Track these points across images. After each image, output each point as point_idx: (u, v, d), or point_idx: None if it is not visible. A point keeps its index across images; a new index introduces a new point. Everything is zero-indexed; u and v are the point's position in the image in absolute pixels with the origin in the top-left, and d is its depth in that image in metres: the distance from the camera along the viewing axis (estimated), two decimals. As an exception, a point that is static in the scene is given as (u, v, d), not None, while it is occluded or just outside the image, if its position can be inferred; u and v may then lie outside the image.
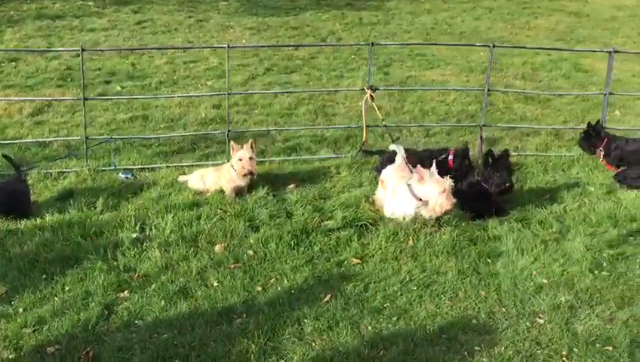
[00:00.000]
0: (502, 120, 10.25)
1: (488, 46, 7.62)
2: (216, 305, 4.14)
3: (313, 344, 3.77)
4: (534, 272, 4.76)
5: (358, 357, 3.66)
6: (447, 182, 5.25)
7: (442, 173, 6.07)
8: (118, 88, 10.18)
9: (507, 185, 5.59)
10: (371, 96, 6.62)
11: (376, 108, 6.44)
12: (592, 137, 7.65)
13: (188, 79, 11.04)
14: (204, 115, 9.18)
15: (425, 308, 4.26)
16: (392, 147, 6.13)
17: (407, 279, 4.60)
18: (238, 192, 5.93)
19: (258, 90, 10.10)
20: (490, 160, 5.72)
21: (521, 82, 12.69)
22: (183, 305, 4.15)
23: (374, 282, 4.54)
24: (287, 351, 3.70)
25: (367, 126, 6.98)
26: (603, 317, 4.25)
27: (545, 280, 4.68)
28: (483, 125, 7.61)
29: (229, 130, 6.87)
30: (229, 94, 6.82)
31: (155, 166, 6.58)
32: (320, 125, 8.85)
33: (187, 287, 4.38)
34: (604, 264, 5.01)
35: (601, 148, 7.57)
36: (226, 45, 6.73)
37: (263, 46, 12.00)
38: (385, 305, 4.27)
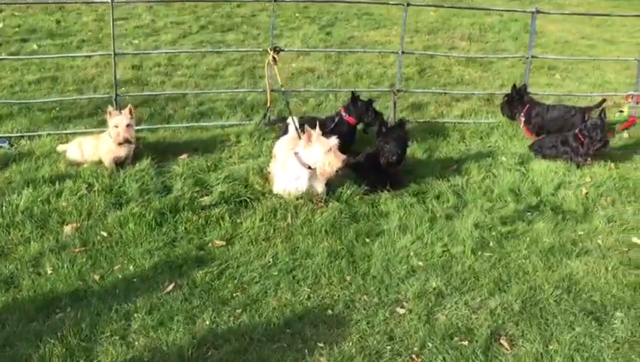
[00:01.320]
0: (438, 83, 9.77)
1: (402, 4, 7.06)
2: (40, 296, 3.68)
3: (135, 343, 3.35)
4: (411, 253, 4.36)
5: (180, 359, 3.25)
6: (333, 140, 4.80)
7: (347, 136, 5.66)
8: (34, 47, 9.48)
9: (394, 157, 5.13)
10: (274, 58, 6.05)
11: (276, 72, 5.90)
12: (515, 102, 7.20)
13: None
14: (119, 76, 8.54)
15: (278, 298, 3.85)
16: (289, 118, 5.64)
17: (271, 263, 4.18)
18: (118, 163, 5.42)
19: (169, 50, 9.44)
20: (384, 129, 5.25)
21: (467, 43, 12.16)
22: (1, 297, 3.68)
23: (232, 268, 4.11)
24: (99, 353, 3.27)
25: (272, 90, 6.44)
26: (471, 305, 3.89)
27: (421, 263, 4.29)
28: (398, 90, 7.11)
29: (117, 95, 6.28)
30: (115, 54, 6.20)
31: (36, 134, 6.01)
32: (244, 88, 8.30)
33: (14, 276, 3.90)
34: (491, 243, 4.63)
35: (522, 115, 7.14)
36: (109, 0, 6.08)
37: (153, 0, 11.19)
38: (235, 295, 3.85)
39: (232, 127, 6.46)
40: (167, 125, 6.46)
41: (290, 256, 4.27)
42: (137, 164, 5.42)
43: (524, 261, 4.40)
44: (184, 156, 5.81)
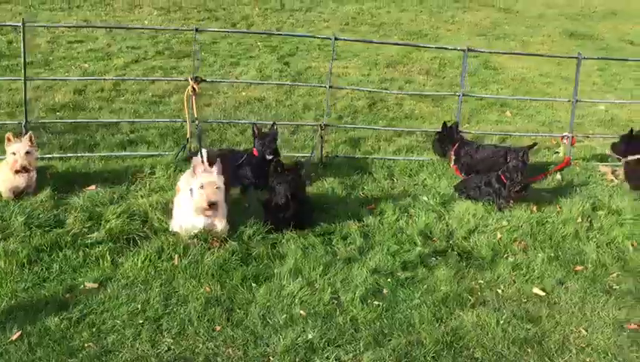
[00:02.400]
0: (387, 117, 9.58)
1: (330, 38, 6.88)
2: None
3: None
4: (296, 301, 4.07)
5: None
6: (211, 175, 4.52)
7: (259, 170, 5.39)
8: (-23, 68, 9.22)
9: (283, 200, 4.85)
10: (194, 88, 5.81)
11: (193, 103, 5.65)
12: (445, 140, 6.99)
13: (64, 60, 10.09)
14: (57, 99, 8.29)
15: (135, 350, 3.54)
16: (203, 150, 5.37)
17: (139, 310, 3.87)
18: (17, 193, 5.12)
19: (119, 77, 9.18)
20: (279, 170, 4.98)
21: (425, 78, 12.02)
22: None
23: (95, 314, 3.80)
24: None
25: (194, 121, 6.18)
26: (343, 361, 3.59)
27: (303, 311, 4.00)
28: (325, 125, 6.87)
29: (26, 121, 6.00)
30: (26, 80, 5.93)
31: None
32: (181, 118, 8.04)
33: None
34: (385, 291, 4.35)
35: (452, 153, 6.93)
36: (20, 24, 5.83)
37: (92, 26, 11.00)
38: (87, 346, 3.53)
39: (150, 158, 6.18)
40: (80, 154, 6.17)
41: (163, 302, 3.97)
42: (39, 195, 5.13)
43: (412, 311, 4.12)
44: (92, 187, 5.52)
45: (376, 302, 4.17)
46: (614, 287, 4.75)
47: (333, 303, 4.13)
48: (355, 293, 4.20)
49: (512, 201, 6.04)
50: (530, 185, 5.99)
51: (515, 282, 4.64)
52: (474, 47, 7.59)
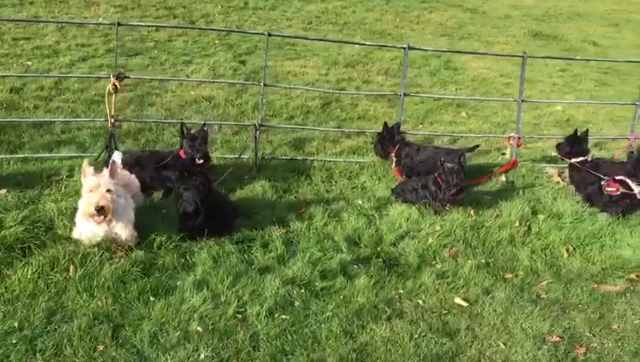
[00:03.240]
0: (339, 118, 9.27)
1: (264, 34, 6.55)
2: None
3: None
4: (196, 316, 3.73)
5: None
6: (104, 177, 4.14)
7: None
8: None
9: (191, 208, 4.49)
10: (115, 85, 5.42)
11: (112, 101, 5.27)
12: (386, 142, 6.68)
13: (6, 57, 9.62)
14: (-10, 98, 7.84)
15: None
16: (116, 153, 5.00)
17: (15, 329, 3.50)
18: None
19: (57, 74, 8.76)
20: (186, 175, 4.60)
21: (383, 78, 11.72)
22: None
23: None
24: None
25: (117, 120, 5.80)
26: (233, 384, 3.26)
27: (200, 328, 3.65)
28: (260, 125, 6.53)
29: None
30: None
31: None
32: (123, 116, 7.66)
33: None
34: (296, 303, 4.02)
35: (393, 155, 6.63)
36: None
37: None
38: (-55, 369, 3.17)
39: (70, 160, 5.78)
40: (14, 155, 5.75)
41: (47, 319, 3.60)
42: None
43: (321, 325, 3.79)
44: (2, 191, 5.12)
45: (284, 316, 3.84)
46: (542, 296, 4.47)
47: (236, 318, 3.78)
48: (262, 306, 3.86)
49: (448, 205, 5.74)
50: (466, 189, 5.69)
51: (437, 291, 4.34)
52: (416, 45, 7.24)
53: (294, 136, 7.71)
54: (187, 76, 10.22)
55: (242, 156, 6.29)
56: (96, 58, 10.10)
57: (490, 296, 4.41)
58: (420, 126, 9.37)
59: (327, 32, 14.59)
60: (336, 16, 16.24)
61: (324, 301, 4.04)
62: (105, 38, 11.32)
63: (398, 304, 4.14)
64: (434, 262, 4.77)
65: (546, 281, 4.67)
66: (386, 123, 6.72)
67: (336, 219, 5.26)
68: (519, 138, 7.32)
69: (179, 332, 3.57)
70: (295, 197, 5.64)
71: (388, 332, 3.78)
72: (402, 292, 4.28)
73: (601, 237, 5.49)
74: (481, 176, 6.75)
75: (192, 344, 3.48)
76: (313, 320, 3.83)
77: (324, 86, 10.73)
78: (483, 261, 4.88)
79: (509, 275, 4.71)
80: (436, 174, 5.83)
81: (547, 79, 13.11)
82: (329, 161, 6.62)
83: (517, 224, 5.57)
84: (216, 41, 12.34)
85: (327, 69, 11.77)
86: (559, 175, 7.15)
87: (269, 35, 6.45)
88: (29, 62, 9.52)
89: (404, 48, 6.87)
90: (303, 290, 4.10)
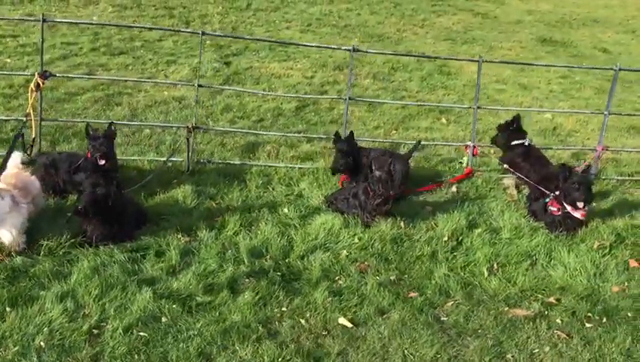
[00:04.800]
0: (311, 121, 8.99)
1: (197, 33, 6.31)
2: None
3: None
4: (45, 330, 3.50)
5: None
6: None
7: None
8: None
9: (80, 208, 4.26)
10: (38, 83, 5.25)
11: (31, 100, 5.11)
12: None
13: (-14, 55, 9.62)
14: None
15: None
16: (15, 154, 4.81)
17: None
18: None
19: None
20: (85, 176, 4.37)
21: (370, 82, 11.36)
22: None
23: None
24: None
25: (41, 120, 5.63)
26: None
27: (44, 344, 3.42)
28: (194, 127, 6.28)
29: None
30: None
31: None
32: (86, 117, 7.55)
33: None
34: (163, 319, 3.75)
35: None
36: None
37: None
38: None
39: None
40: None
41: None
42: None
43: (179, 345, 3.51)
44: None
45: (142, 333, 3.57)
46: (442, 319, 4.10)
47: (91, 333, 3.54)
48: (123, 322, 3.60)
49: (376, 215, 5.39)
50: (390, 200, 5.31)
51: (325, 310, 4.01)
52: (360, 48, 6.88)
53: (249, 140, 7.45)
54: (166, 76, 10.08)
55: (175, 159, 6.05)
56: (77, 57, 10.04)
57: (384, 316, 4.06)
58: (394, 132, 9.00)
59: (324, 34, 14.30)
60: (339, 18, 15.91)
61: (196, 318, 3.77)
62: (94, 37, 11.27)
63: (276, 323, 3.83)
64: (337, 278, 4.45)
65: (452, 302, 4.29)
66: (337, 131, 6.39)
67: (251, 228, 4.97)
68: (475, 147, 6.89)
69: (17, 348, 3.35)
70: (216, 204, 5.37)
71: (249, 355, 3.48)
72: (286, 310, 3.97)
73: (535, 255, 5.07)
74: (431, 184, 6.37)
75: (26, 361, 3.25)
76: (172, 338, 3.56)
77: (306, 89, 10.46)
78: (393, 278, 4.52)
79: (413, 294, 4.35)
80: (367, 183, 5.49)
81: (545, 86, 12.52)
82: (270, 166, 6.33)
83: (446, 238, 5.18)
84: (208, 42, 12.16)
85: (314, 71, 11.47)
86: (516, 186, 6.71)
87: (203, 33, 6.18)
88: (8, 60, 9.50)
89: (350, 50, 6.52)
90: (175, 305, 3.83)
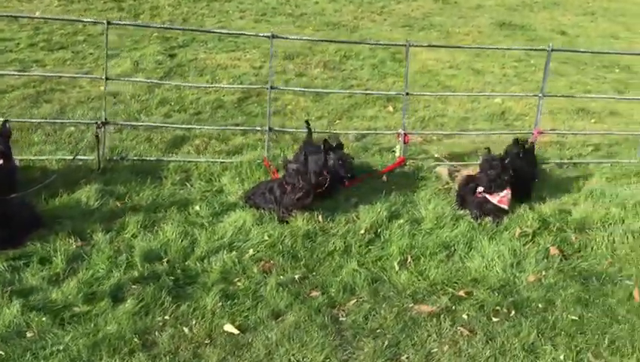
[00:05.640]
0: (250, 114, 8.65)
1: (102, 23, 5.93)
2: None
3: None
4: None
5: None
6: None
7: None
8: None
9: None
10: None
11: None
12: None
13: None
14: None
15: None
16: None
17: None
18: None
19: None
20: None
21: (320, 71, 11.01)
22: None
23: None
24: None
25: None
26: None
27: None
28: (104, 122, 5.91)
29: None
30: None
31: None
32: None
33: None
34: (29, 334, 3.42)
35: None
36: None
37: None
38: None
39: None
40: None
41: None
42: None
43: (37, 362, 3.18)
44: None
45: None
46: (340, 319, 3.81)
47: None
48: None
49: (293, 210, 5.07)
50: (311, 193, 5.00)
51: (213, 316, 3.69)
52: (280, 34, 6.53)
53: (175, 134, 7.08)
54: (103, 69, 9.63)
55: (86, 157, 5.68)
56: (12, 53, 9.58)
57: (278, 320, 3.76)
58: (338, 122, 8.70)
59: (278, 23, 13.90)
60: (295, 7, 15.51)
61: (66, 330, 3.43)
62: (35, 32, 10.79)
63: (156, 333, 3.51)
64: (236, 280, 4.13)
65: (355, 301, 4.00)
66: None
67: (153, 229, 4.63)
68: (406, 135, 6.60)
69: None
70: (121, 204, 5.02)
71: (116, 370, 3.16)
72: (169, 318, 3.65)
73: (454, 245, 4.79)
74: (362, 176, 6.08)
75: None
76: (32, 356, 3.22)
77: (251, 80, 10.12)
78: (297, 276, 4.21)
79: (315, 293, 4.05)
80: (282, 177, 5.17)
81: (499, 70, 12.27)
82: (190, 162, 5.98)
83: (362, 231, 4.88)
84: (155, 34, 11.73)
85: (263, 61, 11.09)
86: (449, 174, 6.43)
87: (109, 23, 5.80)
88: None
89: (269, 37, 6.17)
90: (45, 318, 3.49)
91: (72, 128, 7.05)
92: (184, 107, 8.48)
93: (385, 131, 7.20)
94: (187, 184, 5.71)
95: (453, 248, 4.75)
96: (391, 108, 9.48)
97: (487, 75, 11.69)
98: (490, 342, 3.60)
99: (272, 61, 11.21)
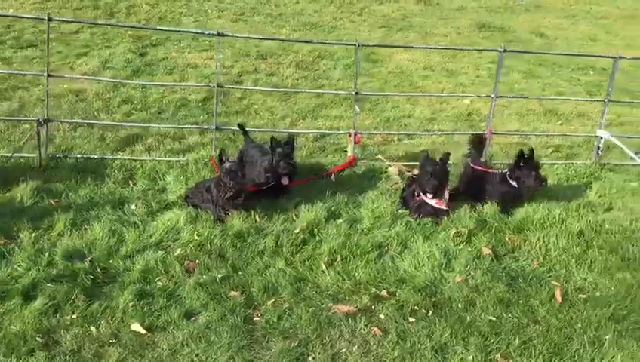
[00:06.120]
0: (211, 113, 8.58)
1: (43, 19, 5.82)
2: None
3: None
4: None
5: None
6: None
7: None
8: None
9: None
10: None
11: None
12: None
13: None
14: None
15: None
16: None
17: None
18: None
19: None
20: None
21: (292, 70, 10.96)
22: None
23: None
24: None
25: None
26: None
27: None
28: (46, 119, 5.84)
29: None
30: None
31: None
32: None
33: None
34: None
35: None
36: None
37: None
38: None
39: None
40: None
41: None
42: None
43: None
44: None
45: None
46: (254, 319, 3.75)
47: None
48: None
49: (230, 210, 5.01)
50: (241, 192, 4.94)
51: (124, 315, 3.63)
52: (225, 33, 6.45)
53: (132, 132, 7.02)
54: (71, 69, 9.61)
55: (27, 155, 5.62)
56: (-22, 51, 9.50)
57: (191, 319, 3.69)
58: (301, 121, 8.65)
59: (256, 23, 13.86)
60: (275, 7, 15.46)
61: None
62: (3, 30, 10.73)
63: (61, 332, 3.45)
64: (157, 279, 4.06)
65: (274, 300, 3.93)
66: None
67: (82, 227, 4.56)
68: (357, 134, 6.53)
69: None
70: (55, 202, 4.95)
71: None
72: (77, 317, 3.58)
73: (388, 245, 4.72)
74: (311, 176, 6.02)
75: None
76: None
77: (220, 79, 10.04)
78: (220, 276, 4.14)
79: (234, 293, 3.98)
80: (218, 176, 5.11)
81: (473, 72, 12.23)
82: (135, 160, 5.92)
83: (297, 230, 4.82)
84: (128, 32, 11.67)
85: (235, 60, 11.04)
86: (400, 174, 6.38)
87: (49, 19, 5.73)
88: None
89: (217, 35, 6.11)
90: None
91: (27, 126, 6.98)
92: (147, 105, 8.42)
93: (336, 131, 7.13)
94: (130, 182, 5.64)
95: (386, 248, 4.68)
96: (357, 109, 9.41)
97: (461, 76, 11.64)
98: (401, 342, 3.53)
99: (245, 61, 11.19)
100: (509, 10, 18.74)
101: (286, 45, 12.15)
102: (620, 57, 6.78)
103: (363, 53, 12.24)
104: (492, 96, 6.73)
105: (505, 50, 6.56)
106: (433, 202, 4.90)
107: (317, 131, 7.17)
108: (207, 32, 6.56)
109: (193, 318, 3.68)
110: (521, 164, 5.06)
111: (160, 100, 8.64)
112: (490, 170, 5.50)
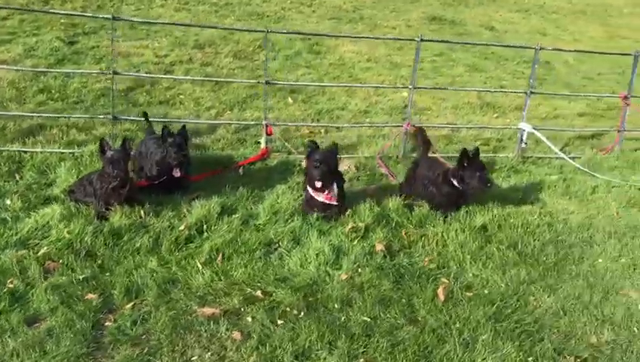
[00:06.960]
0: (136, 103, 8.18)
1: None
2: None
3: None
4: None
5: None
6: None
7: None
8: None
9: None
10: None
11: None
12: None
13: None
14: None
15: None
16: None
17: None
18: None
19: None
20: None
21: (229, 60, 10.56)
22: None
23: None
24: None
25: None
26: None
27: None
28: None
29: None
30: None
31: None
32: None
33: None
34: None
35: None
36: None
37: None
38: None
39: None
40: None
41: None
42: None
43: None
44: None
45: None
46: (105, 324, 3.39)
47: None
48: None
49: (114, 203, 4.62)
50: (126, 182, 4.55)
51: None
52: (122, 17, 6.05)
53: (37, 123, 6.56)
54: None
55: None
56: None
57: (33, 325, 3.32)
58: (229, 113, 8.29)
59: (200, 12, 13.40)
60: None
61: None
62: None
63: None
64: (9, 280, 3.67)
65: (134, 304, 3.58)
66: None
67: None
68: (269, 126, 6.20)
69: None
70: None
71: None
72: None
73: (279, 241, 4.40)
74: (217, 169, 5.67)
75: None
76: None
77: (150, 68, 9.64)
78: (82, 277, 3.77)
79: (91, 296, 3.62)
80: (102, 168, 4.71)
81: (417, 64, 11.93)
82: (25, 152, 5.48)
83: (182, 227, 4.46)
84: (62, 20, 11.14)
85: (170, 50, 10.60)
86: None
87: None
88: None
89: (109, 19, 5.69)
90: None
91: None
92: (65, 95, 7.97)
93: (247, 122, 6.79)
94: (15, 175, 5.22)
95: (277, 245, 4.36)
96: (290, 100, 9.10)
97: (404, 68, 11.38)
98: (260, 347, 3.22)
99: (181, 50, 10.74)
100: (463, 3, 18.60)
101: (226, 34, 11.77)
102: (541, 48, 6.58)
103: (307, 45, 11.93)
104: (410, 87, 6.45)
105: (422, 40, 6.29)
106: (321, 197, 4.59)
107: (226, 122, 6.81)
108: (99, 16, 6.11)
109: (36, 324, 3.31)
110: (465, 164, 4.71)
111: (79, 90, 8.19)
112: (434, 169, 5.12)
